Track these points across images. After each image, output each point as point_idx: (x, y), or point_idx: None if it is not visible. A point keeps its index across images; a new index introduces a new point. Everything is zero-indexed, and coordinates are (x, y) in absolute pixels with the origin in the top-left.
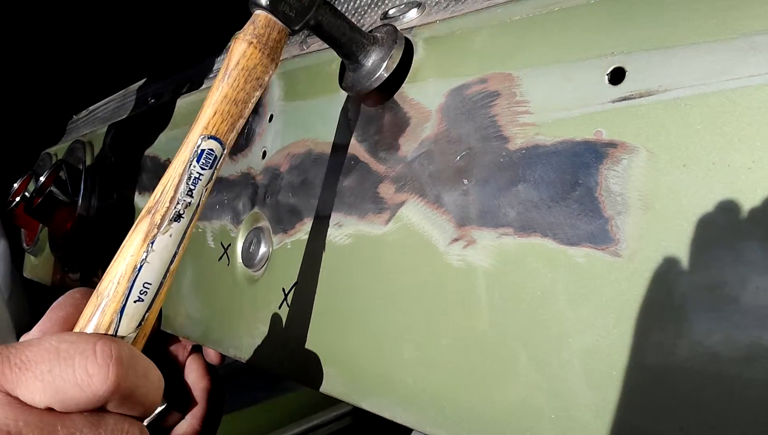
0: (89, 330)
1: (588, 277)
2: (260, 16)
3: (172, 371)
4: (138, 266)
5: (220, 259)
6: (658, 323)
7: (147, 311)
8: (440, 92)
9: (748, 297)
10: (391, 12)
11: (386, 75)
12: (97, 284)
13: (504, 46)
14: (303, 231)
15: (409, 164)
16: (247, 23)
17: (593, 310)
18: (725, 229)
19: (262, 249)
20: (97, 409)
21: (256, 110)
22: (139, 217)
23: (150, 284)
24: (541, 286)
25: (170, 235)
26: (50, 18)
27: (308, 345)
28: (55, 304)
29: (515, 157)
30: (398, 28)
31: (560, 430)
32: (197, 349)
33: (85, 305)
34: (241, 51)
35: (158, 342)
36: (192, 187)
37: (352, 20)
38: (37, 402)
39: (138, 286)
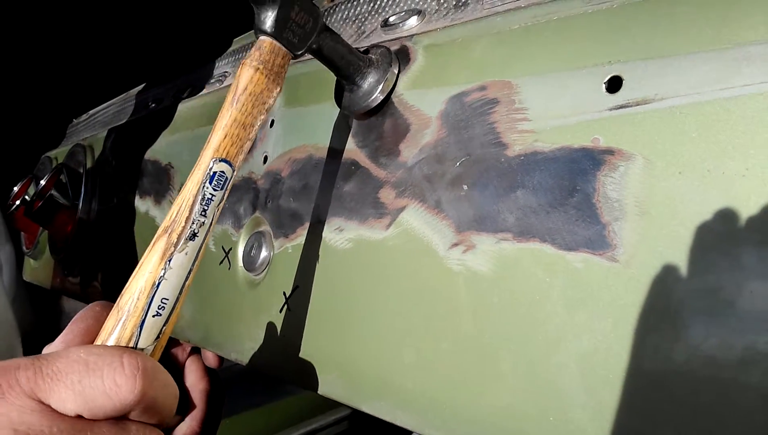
0: (110, 342)
1: (586, 282)
2: (265, 42)
3: (172, 374)
4: (157, 283)
5: (221, 262)
6: (655, 328)
7: (164, 325)
8: (440, 99)
9: (744, 302)
10: (391, 19)
11: (382, 96)
12: (98, 289)
13: (503, 54)
14: (304, 235)
15: (409, 170)
16: (253, 48)
17: (591, 315)
18: (720, 235)
19: (263, 253)
20: (121, 417)
21: None
22: (156, 235)
23: (167, 300)
24: (540, 290)
25: (186, 253)
26: (51, 22)
27: (309, 348)
28: (77, 316)
29: (514, 163)
30: (399, 35)
31: (559, 433)
32: (196, 352)
33: (104, 318)
34: (248, 77)
35: None
36: (205, 208)
37: (354, 26)
38: (67, 410)
39: (156, 302)
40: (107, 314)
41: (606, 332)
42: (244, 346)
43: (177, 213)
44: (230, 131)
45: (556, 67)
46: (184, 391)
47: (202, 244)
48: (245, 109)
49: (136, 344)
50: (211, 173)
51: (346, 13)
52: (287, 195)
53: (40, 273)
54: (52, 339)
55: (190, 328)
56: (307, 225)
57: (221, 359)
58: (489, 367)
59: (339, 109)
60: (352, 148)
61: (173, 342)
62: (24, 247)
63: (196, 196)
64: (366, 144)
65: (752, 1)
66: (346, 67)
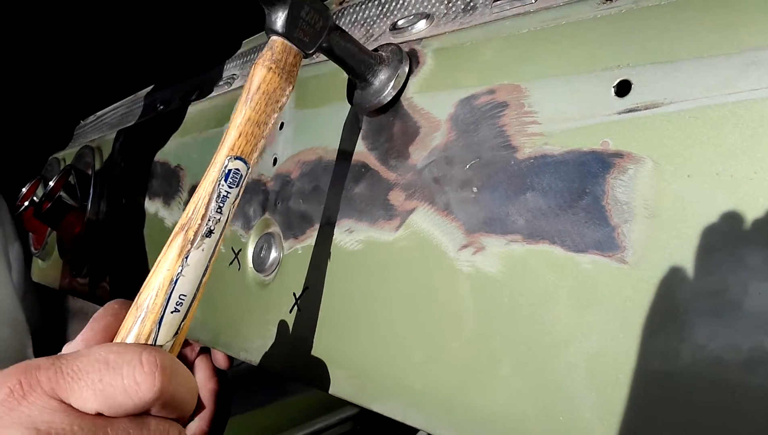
0: (130, 339)
1: (595, 283)
2: (277, 41)
3: None
4: (174, 279)
5: (231, 263)
6: (663, 328)
7: (182, 321)
8: (450, 102)
9: (751, 303)
10: (400, 23)
11: (394, 93)
12: (106, 289)
13: (512, 58)
14: (313, 237)
15: (419, 172)
16: (265, 48)
17: (599, 316)
18: (728, 237)
19: (273, 254)
20: (141, 414)
21: None
22: (173, 233)
23: (185, 296)
24: (549, 291)
25: (203, 250)
26: (58, 23)
27: (318, 348)
28: (96, 314)
29: (523, 166)
30: (407, 39)
31: (567, 433)
32: (205, 351)
33: (123, 316)
34: (261, 76)
35: None
36: (221, 205)
37: (363, 29)
38: (88, 408)
39: (174, 298)
40: (126, 312)
41: (615, 333)
42: (254, 346)
43: (193, 210)
44: (244, 129)
45: (565, 70)
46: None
47: (218, 241)
48: (259, 108)
49: (155, 341)
50: (226, 171)
51: (355, 16)
52: (297, 197)
53: (48, 273)
54: (60, 337)
55: (200, 329)
56: (316, 226)
57: (231, 360)
58: (498, 367)
59: (348, 111)
60: (361, 150)
61: (183, 342)
62: (32, 248)
63: (211, 193)
64: (376, 146)
65: (760, 7)
66: (357, 65)
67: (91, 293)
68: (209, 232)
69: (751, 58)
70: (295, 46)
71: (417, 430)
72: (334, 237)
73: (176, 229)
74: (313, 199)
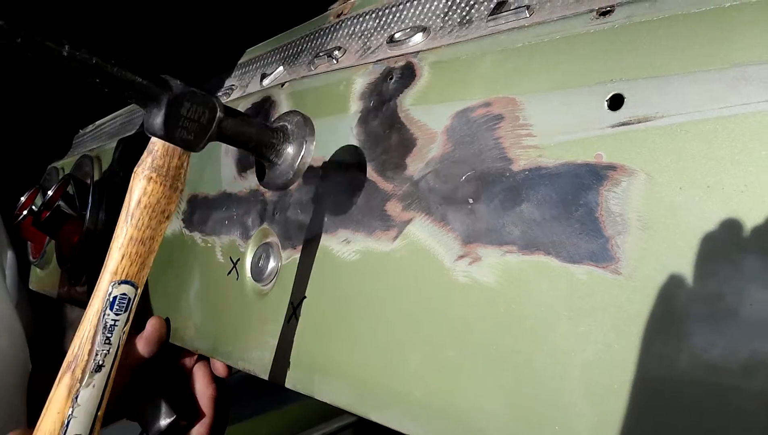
0: None
1: (589, 293)
2: (157, 144)
3: (180, 380)
4: (66, 422)
5: (229, 273)
6: (657, 338)
7: None
8: (446, 114)
9: (744, 312)
10: (397, 36)
11: (300, 175)
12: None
13: (507, 71)
14: (312, 247)
15: (415, 183)
16: (145, 152)
17: (595, 326)
18: (720, 249)
19: (271, 264)
20: None
21: None
22: (60, 371)
23: None
24: (545, 302)
25: (93, 386)
26: (58, 32)
27: (317, 358)
28: None
29: (519, 178)
30: (404, 51)
31: None
32: (204, 358)
33: None
34: (141, 188)
35: (166, 353)
36: (109, 335)
37: (360, 41)
38: None
39: None
40: None
41: (610, 343)
42: (252, 355)
43: (78, 347)
44: (127, 251)
45: (559, 84)
46: (191, 398)
47: (110, 371)
48: (141, 224)
49: None
50: (111, 299)
51: (353, 28)
52: (295, 207)
53: (46, 282)
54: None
55: (198, 338)
56: (314, 236)
57: (230, 368)
58: (494, 376)
59: (346, 122)
60: (359, 161)
61: (181, 350)
62: (31, 257)
63: (97, 326)
64: (373, 157)
65: (750, 23)
66: (256, 148)
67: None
68: (99, 367)
69: (741, 73)
70: (178, 147)
71: None
72: (331, 247)
73: (63, 366)
74: (311, 210)
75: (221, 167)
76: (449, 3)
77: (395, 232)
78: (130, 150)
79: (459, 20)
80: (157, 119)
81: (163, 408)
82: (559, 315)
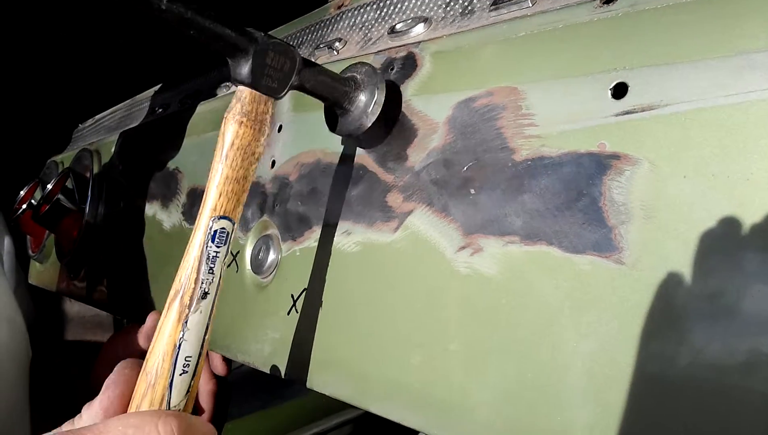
0: (144, 406)
1: (592, 284)
2: (245, 92)
3: None
4: (178, 344)
5: (229, 265)
6: (661, 330)
7: (192, 379)
8: (447, 105)
9: (749, 304)
10: (398, 26)
11: (374, 118)
12: (104, 292)
13: (510, 60)
14: (312, 239)
15: (417, 174)
16: (234, 100)
17: (597, 317)
18: (725, 238)
19: (271, 256)
20: None
21: None
22: (169, 298)
23: (191, 357)
24: (547, 292)
25: (200, 312)
26: (56, 26)
27: (316, 350)
28: (109, 381)
29: (521, 167)
30: (405, 42)
31: None
32: None
33: (135, 379)
34: (233, 132)
35: None
36: (212, 266)
37: (361, 32)
38: None
39: (181, 361)
40: (137, 375)
41: (613, 334)
42: (252, 348)
43: (185, 276)
44: (224, 189)
45: (562, 73)
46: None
47: (214, 299)
48: (235, 165)
49: (169, 403)
50: (212, 232)
51: (353, 20)
52: (295, 199)
53: (45, 276)
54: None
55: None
56: (314, 228)
57: (229, 367)
58: (496, 368)
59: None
60: (359, 153)
61: None
62: (30, 251)
63: (200, 257)
64: (373, 148)
65: (755, 11)
66: (331, 95)
67: (89, 296)
68: (204, 294)
69: (746, 60)
70: (264, 94)
71: (416, 432)
72: (332, 239)
73: (171, 293)
74: (311, 202)
75: None
76: None
77: (396, 223)
78: (129, 144)
79: (461, 10)
80: (245, 69)
81: None
82: (561, 306)
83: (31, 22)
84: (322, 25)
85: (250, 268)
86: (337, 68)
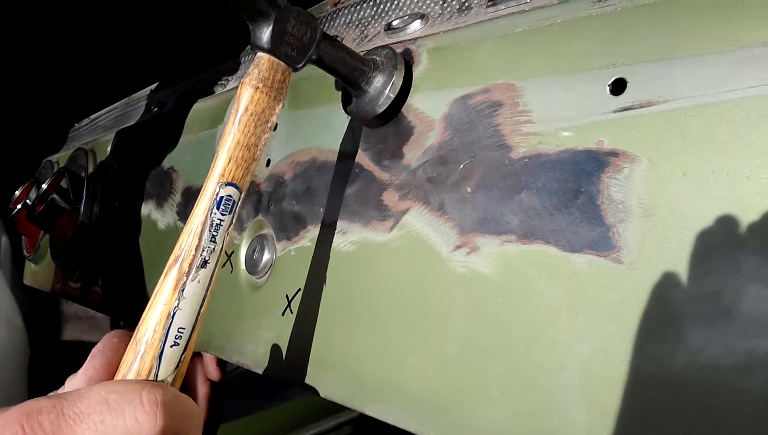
0: (131, 376)
1: (590, 283)
2: (263, 58)
3: None
4: (172, 313)
5: (224, 265)
6: (659, 330)
7: (183, 353)
8: (444, 102)
9: (748, 305)
10: (394, 23)
11: (390, 100)
12: (99, 293)
13: (507, 57)
14: (307, 238)
15: (412, 172)
16: (252, 66)
17: (595, 316)
18: (725, 237)
19: (266, 256)
20: None
21: None
22: (168, 265)
23: (184, 329)
24: (544, 292)
25: (198, 281)
26: (52, 26)
27: (312, 351)
28: (95, 350)
29: (518, 165)
30: (402, 39)
31: None
32: (198, 355)
33: (123, 350)
34: (248, 96)
35: None
36: (215, 234)
37: (358, 30)
38: None
39: (173, 332)
40: (125, 345)
41: (610, 334)
42: (246, 349)
43: (186, 242)
44: (234, 154)
45: (559, 69)
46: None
47: (214, 270)
48: (248, 130)
49: (156, 375)
50: (218, 198)
51: (349, 17)
52: (290, 198)
53: (40, 277)
54: (54, 340)
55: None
56: (310, 228)
57: (223, 371)
58: (492, 369)
59: (342, 112)
60: (355, 151)
61: None
62: (25, 251)
63: (204, 223)
64: (369, 147)
65: (755, 4)
66: (350, 73)
67: (84, 297)
68: (204, 263)
69: (748, 55)
70: (282, 62)
71: None
72: (327, 238)
73: (170, 260)
74: (307, 201)
75: None
76: None
77: (392, 222)
78: (124, 143)
79: (458, 6)
80: (265, 34)
81: None
82: (558, 305)
83: (26, 22)
84: (319, 21)
85: (244, 268)
86: None
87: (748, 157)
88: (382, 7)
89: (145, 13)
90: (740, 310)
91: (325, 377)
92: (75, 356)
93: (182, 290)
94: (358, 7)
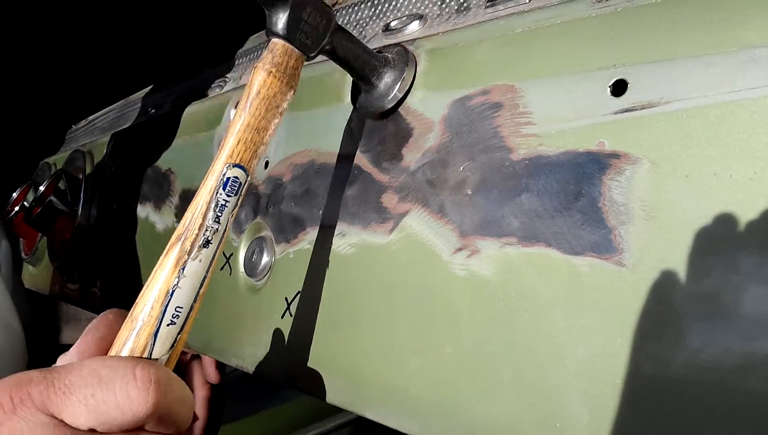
0: (125, 353)
1: (592, 286)
2: (278, 44)
3: None
4: (170, 291)
5: (222, 268)
6: (661, 332)
7: (179, 333)
8: (443, 103)
9: (749, 306)
10: (393, 24)
11: (400, 96)
12: (97, 295)
13: (506, 58)
14: (306, 240)
15: (412, 174)
16: (266, 51)
17: (597, 319)
18: (728, 239)
19: (265, 258)
20: (135, 429)
21: None
22: (170, 243)
23: (182, 308)
24: (546, 294)
25: (200, 261)
26: (49, 28)
27: (311, 354)
28: (90, 326)
29: (518, 167)
30: (401, 40)
31: None
32: (197, 357)
33: (118, 327)
34: (261, 80)
35: None
36: (219, 214)
37: (356, 30)
38: (81, 424)
39: (171, 310)
40: (121, 323)
41: (612, 337)
42: (245, 352)
43: (190, 220)
44: (243, 136)
45: (560, 70)
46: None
47: (216, 251)
48: (258, 114)
49: (151, 354)
50: (225, 179)
51: (348, 17)
52: (289, 200)
53: (38, 279)
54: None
55: (190, 335)
56: (308, 230)
57: (222, 374)
58: (493, 371)
59: (340, 114)
60: (354, 153)
61: None
62: (23, 254)
63: (209, 202)
64: (368, 148)
65: (757, 4)
66: (361, 67)
67: (82, 299)
68: (207, 243)
69: (750, 55)
70: (296, 49)
71: None
72: (326, 241)
73: (173, 238)
74: (306, 203)
75: None
76: None
77: (391, 224)
78: (122, 145)
79: (456, 7)
80: (281, 20)
81: None
82: (560, 309)
83: (23, 23)
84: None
85: (243, 270)
86: (332, 66)
87: (750, 158)
88: (380, 7)
89: (142, 15)
90: (742, 311)
91: (325, 380)
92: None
93: (183, 269)
94: (356, 7)
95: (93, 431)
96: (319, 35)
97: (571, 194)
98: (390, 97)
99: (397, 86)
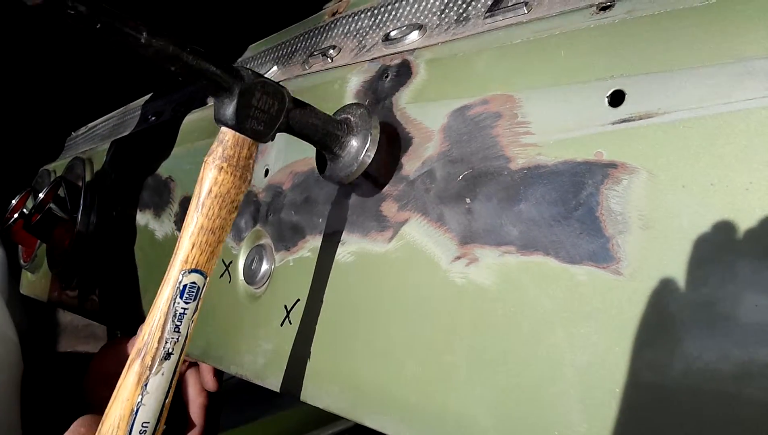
0: None
1: (590, 295)
2: (228, 134)
3: None
4: (135, 409)
5: (222, 276)
6: (659, 341)
7: None
8: (442, 113)
9: (747, 315)
10: (392, 34)
11: (365, 166)
12: (95, 302)
13: (505, 68)
14: (305, 248)
15: (411, 183)
16: (215, 143)
17: (595, 328)
18: (724, 249)
19: (264, 266)
20: None
21: None
22: (129, 359)
23: (148, 423)
24: (543, 304)
25: (162, 374)
26: (49, 34)
27: (310, 362)
28: None
29: (517, 176)
30: (400, 50)
31: None
32: (194, 365)
33: None
34: (212, 178)
35: None
36: (178, 323)
37: (356, 40)
38: None
39: (137, 427)
40: (92, 433)
41: (610, 345)
42: (244, 360)
43: (148, 334)
44: (197, 240)
45: (558, 81)
46: (182, 406)
47: (179, 360)
48: (212, 214)
49: None
50: (182, 287)
51: (347, 27)
52: (288, 208)
53: (37, 286)
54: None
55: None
56: (308, 238)
57: (220, 382)
58: (492, 380)
59: None
60: None
61: None
62: (22, 261)
63: (167, 314)
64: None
65: (754, 16)
66: (322, 140)
67: (81, 306)
68: (167, 355)
69: (746, 67)
70: (248, 138)
71: None
72: (326, 249)
73: (132, 354)
74: (305, 211)
75: None
76: (446, 0)
77: (390, 232)
78: (122, 152)
79: (456, 17)
80: (229, 109)
81: None
82: (558, 317)
83: (23, 31)
84: (317, 32)
85: (243, 278)
86: (331, 76)
87: (747, 169)
88: (380, 17)
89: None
90: (739, 320)
91: (324, 388)
92: (70, 368)
93: (145, 385)
94: (356, 17)
95: None
96: (273, 118)
97: (569, 203)
98: (355, 167)
99: (362, 155)
